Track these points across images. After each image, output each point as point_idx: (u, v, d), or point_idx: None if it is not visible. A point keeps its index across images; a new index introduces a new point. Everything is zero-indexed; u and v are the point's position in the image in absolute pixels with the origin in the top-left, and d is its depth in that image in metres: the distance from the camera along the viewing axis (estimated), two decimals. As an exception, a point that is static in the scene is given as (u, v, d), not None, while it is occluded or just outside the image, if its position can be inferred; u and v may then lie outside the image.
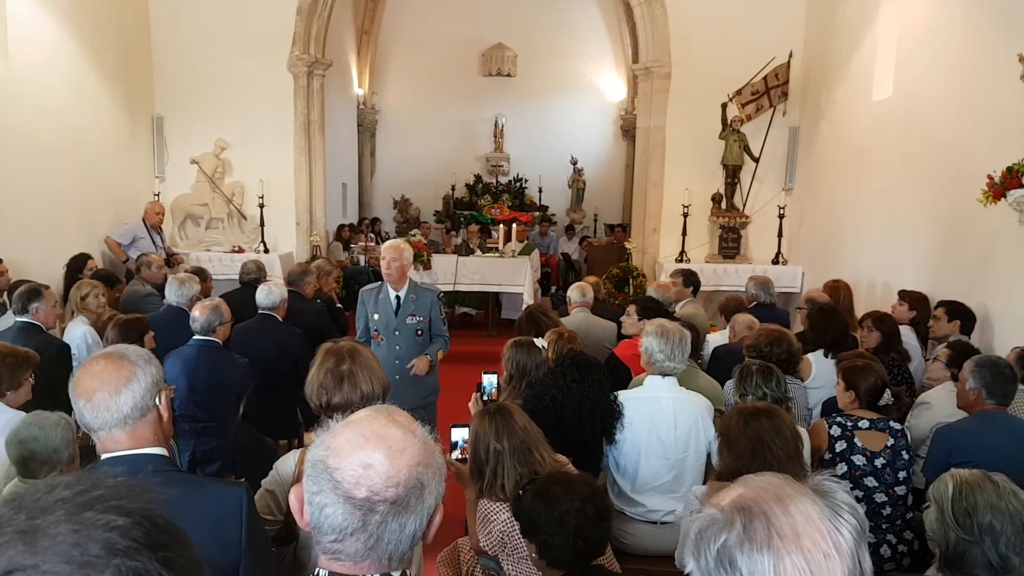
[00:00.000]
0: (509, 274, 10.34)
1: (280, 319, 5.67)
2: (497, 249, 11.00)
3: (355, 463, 1.31)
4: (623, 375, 4.74)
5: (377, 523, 1.31)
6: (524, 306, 10.26)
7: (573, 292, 6.19)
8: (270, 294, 5.60)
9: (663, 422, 3.70)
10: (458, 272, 10.56)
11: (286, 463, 2.66)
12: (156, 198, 9.04)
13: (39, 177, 7.36)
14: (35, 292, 4.69)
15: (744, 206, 9.72)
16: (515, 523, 2.72)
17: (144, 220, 8.48)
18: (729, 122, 9.40)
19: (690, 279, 6.95)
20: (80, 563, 0.61)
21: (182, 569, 0.67)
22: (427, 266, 10.46)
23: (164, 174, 9.70)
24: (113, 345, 2.19)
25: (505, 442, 2.97)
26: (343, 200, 14.23)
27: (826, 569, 1.10)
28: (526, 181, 16.02)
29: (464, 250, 10.74)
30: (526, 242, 11.91)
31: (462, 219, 14.45)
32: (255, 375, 4.94)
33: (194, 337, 4.66)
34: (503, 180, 16.12)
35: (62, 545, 0.62)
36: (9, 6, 6.93)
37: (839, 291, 6.55)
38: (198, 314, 4.65)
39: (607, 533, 2.61)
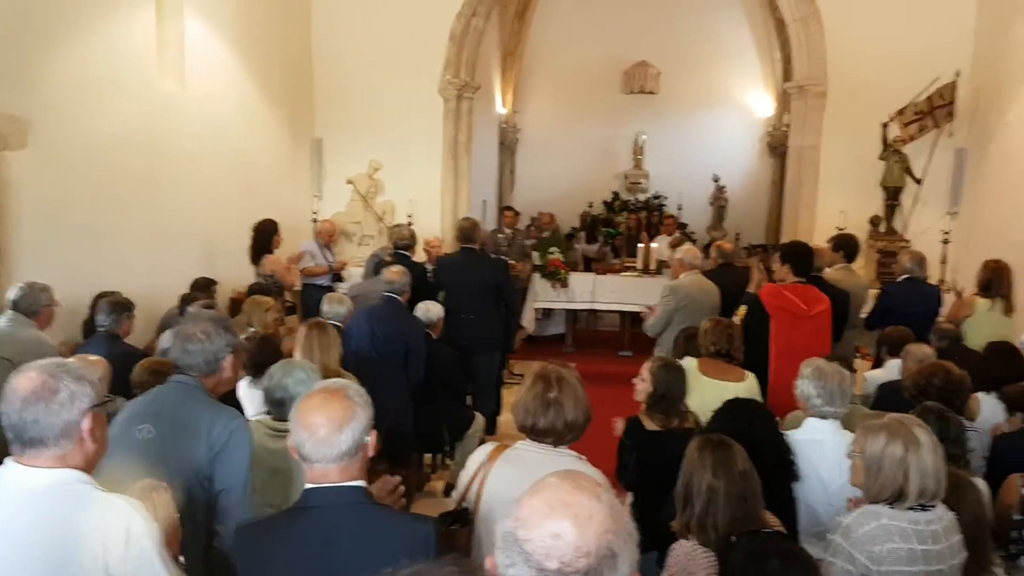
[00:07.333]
0: (650, 293, 10.21)
1: (435, 337, 5.92)
2: (635, 268, 10.89)
3: (544, 533, 1.30)
4: (764, 320, 5.00)
5: None
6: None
7: (685, 255, 6.31)
8: (428, 312, 5.85)
9: (825, 465, 3.40)
10: (595, 290, 10.55)
11: (478, 452, 2.86)
12: (314, 216, 9.50)
13: (209, 197, 7.82)
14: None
15: (905, 230, 9.24)
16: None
17: (316, 239, 8.95)
18: (890, 142, 8.99)
19: (840, 243, 6.56)
20: None
21: None
22: (563, 284, 10.44)
23: (322, 193, 10.20)
24: (333, 380, 2.31)
25: (723, 480, 2.71)
26: (483, 216, 14.46)
27: None
28: (665, 198, 15.81)
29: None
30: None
31: (599, 236, 14.40)
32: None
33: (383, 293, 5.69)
34: (641, 197, 15.95)
35: None
36: (187, 35, 7.44)
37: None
38: (389, 277, 5.73)
39: None
